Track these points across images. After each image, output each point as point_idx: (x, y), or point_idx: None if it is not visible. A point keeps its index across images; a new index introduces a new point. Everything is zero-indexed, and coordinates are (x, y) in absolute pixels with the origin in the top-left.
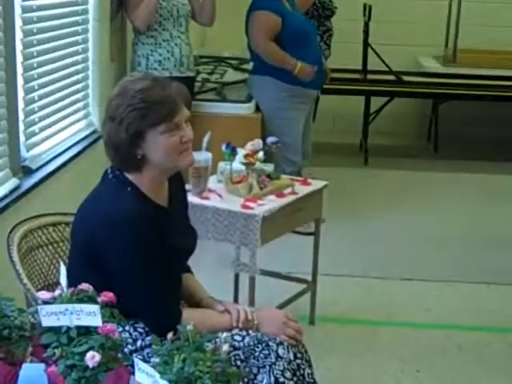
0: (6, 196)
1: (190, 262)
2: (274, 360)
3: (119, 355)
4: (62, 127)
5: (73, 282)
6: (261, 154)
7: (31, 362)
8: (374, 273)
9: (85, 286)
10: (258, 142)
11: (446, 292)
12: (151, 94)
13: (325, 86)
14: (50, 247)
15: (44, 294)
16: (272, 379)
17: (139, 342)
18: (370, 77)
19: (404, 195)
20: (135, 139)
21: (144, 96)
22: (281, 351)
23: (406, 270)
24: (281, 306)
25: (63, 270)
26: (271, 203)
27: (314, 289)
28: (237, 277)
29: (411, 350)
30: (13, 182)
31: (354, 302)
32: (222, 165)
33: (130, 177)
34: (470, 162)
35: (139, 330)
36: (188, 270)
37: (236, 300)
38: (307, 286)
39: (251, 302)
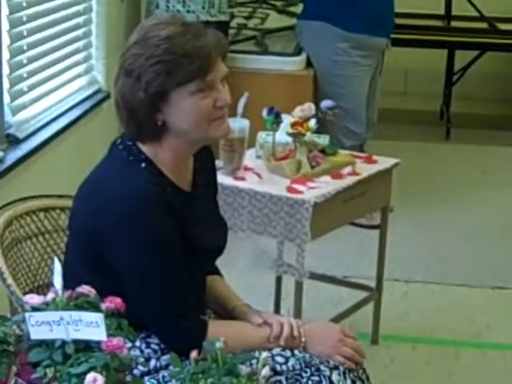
0: None
1: (220, 261)
2: None
3: (128, 378)
4: (58, 85)
5: (70, 283)
6: (313, 123)
7: None
8: (456, 279)
9: (85, 288)
10: (310, 107)
11: None
12: (180, 44)
13: (395, 36)
14: (41, 238)
15: (33, 298)
16: None
17: (153, 362)
18: (454, 24)
19: (496, 177)
20: (156, 100)
21: (171, 46)
22: (335, 378)
23: (498, 275)
24: (335, 320)
25: (57, 267)
26: (325, 186)
27: (378, 298)
28: (279, 280)
29: (505, 380)
30: None
31: (429, 315)
32: (262, 135)
33: (146, 150)
34: None
35: (153, 346)
36: (216, 271)
37: (278, 310)
38: (370, 294)
39: (297, 314)
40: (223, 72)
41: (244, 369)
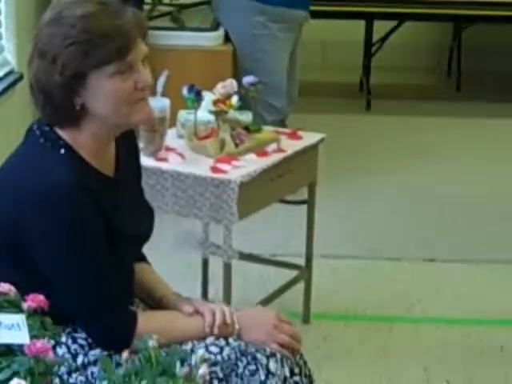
0: None
1: (145, 246)
2: (263, 378)
3: (56, 381)
4: None
5: None
6: (235, 99)
7: None
8: (386, 253)
9: (5, 286)
10: (232, 84)
11: (482, 276)
12: (97, 23)
13: (312, 8)
14: None
15: None
16: None
17: (80, 358)
18: None
19: (418, 148)
20: (73, 83)
21: (87, 25)
22: (272, 366)
23: (427, 248)
24: (266, 300)
25: None
26: (250, 164)
27: (308, 276)
28: (205, 263)
29: (439, 354)
30: None
31: (361, 291)
32: (183, 114)
33: (65, 135)
34: (502, 105)
35: (80, 341)
36: (143, 258)
37: (205, 293)
38: (299, 272)
39: (227, 298)
40: (144, 52)
41: (180, 368)
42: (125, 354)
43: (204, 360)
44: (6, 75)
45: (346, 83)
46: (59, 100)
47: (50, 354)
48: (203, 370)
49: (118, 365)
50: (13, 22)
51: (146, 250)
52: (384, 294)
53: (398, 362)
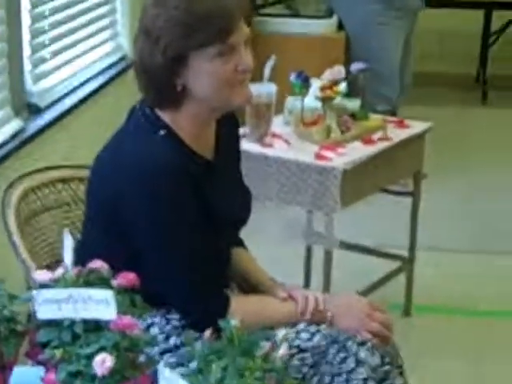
0: (5, 142)
1: (246, 232)
2: (353, 366)
3: (141, 359)
4: (81, 52)
5: (86, 256)
6: (343, 86)
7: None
8: (495, 245)
9: (97, 263)
10: (339, 70)
11: None
12: (200, 5)
13: None
14: (60, 211)
15: (41, 275)
16: None
17: (173, 339)
18: None
19: None
20: (175, 64)
21: (190, 6)
22: (363, 354)
23: None
24: (365, 292)
25: (68, 241)
26: (355, 152)
27: (411, 268)
28: (308, 251)
29: None
30: (15, 124)
31: (466, 285)
32: (290, 100)
33: (165, 116)
34: None
35: (174, 322)
36: (240, 243)
37: (307, 283)
38: (402, 264)
39: (326, 286)
40: (245, 35)
41: (262, 349)
42: (207, 333)
43: (285, 339)
44: (119, 60)
45: (463, 74)
46: (161, 80)
47: (136, 331)
48: (283, 350)
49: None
50: (128, 8)
51: (250, 238)
52: (488, 288)
53: (499, 358)
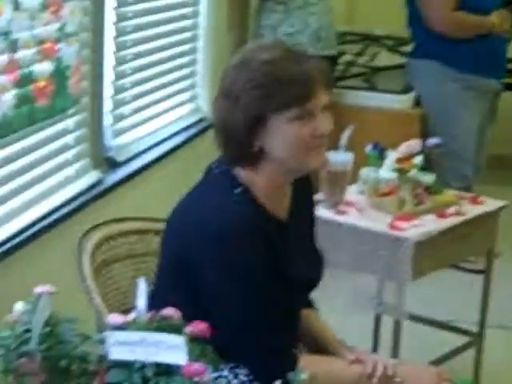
0: (82, 193)
1: (316, 297)
2: None
3: None
4: (160, 111)
5: (159, 306)
6: (418, 160)
7: None
8: None
9: (170, 311)
10: (416, 144)
11: None
12: (281, 68)
13: (508, 80)
14: (132, 261)
15: (115, 318)
16: None
17: None
18: None
19: None
20: (253, 125)
21: (271, 70)
22: None
23: None
24: (435, 363)
25: (142, 287)
26: (429, 224)
27: (480, 344)
28: (377, 320)
29: None
30: (93, 176)
31: None
32: (365, 171)
33: (242, 175)
34: None
35: (241, 377)
36: (310, 304)
37: (375, 350)
38: (471, 339)
39: (394, 354)
40: (325, 100)
41: None
42: None
43: None
44: (198, 122)
45: None
46: (239, 140)
47: (206, 378)
48: None
49: None
50: (208, 71)
51: (319, 303)
52: None
53: None
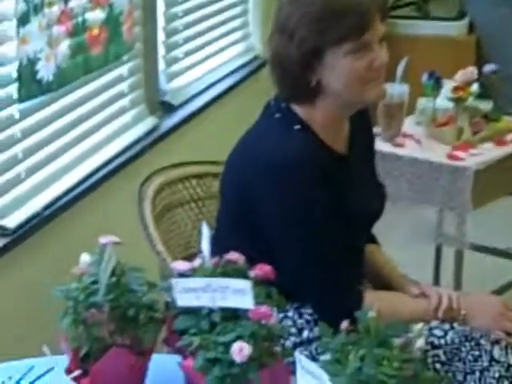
0: (140, 139)
1: (377, 231)
2: (486, 364)
3: (277, 348)
4: (213, 52)
5: (221, 250)
6: (475, 87)
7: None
8: None
9: (234, 255)
10: (472, 72)
11: None
12: (336, 1)
13: None
14: (193, 205)
15: (180, 264)
16: None
17: (306, 333)
18: None
19: None
20: (310, 59)
21: (326, 2)
22: (497, 352)
23: None
24: (498, 292)
25: (206, 232)
26: (488, 153)
27: None
28: (438, 251)
29: None
30: (149, 122)
31: None
32: (422, 101)
33: (300, 111)
34: None
35: (306, 317)
36: (373, 239)
37: (437, 282)
38: None
39: (457, 286)
40: (381, 32)
41: (398, 340)
42: (344, 324)
43: (421, 333)
44: (252, 61)
45: None
46: (295, 75)
47: (273, 320)
48: (420, 342)
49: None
50: (260, 10)
51: (380, 236)
52: None
53: None
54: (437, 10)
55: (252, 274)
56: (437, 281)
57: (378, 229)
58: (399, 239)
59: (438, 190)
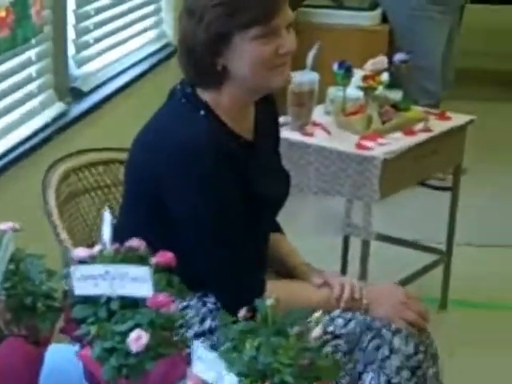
0: (48, 125)
1: (285, 221)
2: (387, 353)
3: (175, 337)
4: (125, 38)
5: (125, 238)
6: (385, 77)
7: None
8: None
9: (135, 242)
10: (382, 61)
11: None
12: None
13: None
14: (100, 192)
15: (80, 251)
16: (383, 379)
17: (208, 323)
18: None
19: None
20: (217, 43)
21: None
22: (397, 342)
23: None
24: (402, 283)
25: (107, 218)
26: (396, 142)
27: (448, 262)
28: (346, 241)
29: None
30: (58, 107)
31: (503, 280)
32: (332, 90)
33: (206, 96)
34: None
35: (209, 305)
36: (277, 228)
37: (344, 271)
38: (439, 257)
39: (363, 275)
40: (289, 18)
41: (295, 328)
42: (242, 312)
43: (319, 322)
44: (163, 47)
45: (508, 71)
46: (202, 59)
47: (172, 309)
48: (317, 331)
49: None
50: None
51: (288, 226)
52: None
53: None
54: (351, 0)
55: (153, 260)
56: (344, 270)
57: (286, 218)
58: (308, 229)
59: (346, 179)
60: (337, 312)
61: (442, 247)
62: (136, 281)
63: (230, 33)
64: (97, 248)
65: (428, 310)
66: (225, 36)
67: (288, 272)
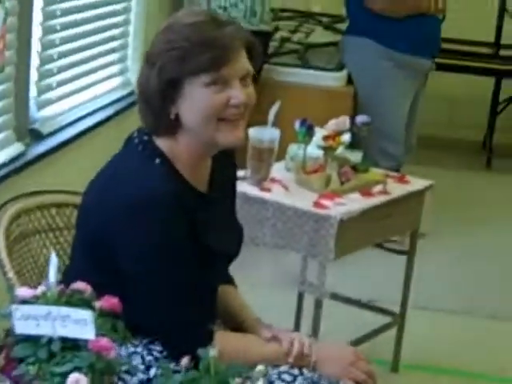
0: (4, 164)
1: (240, 274)
2: None
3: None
4: (88, 83)
5: (73, 280)
6: (346, 137)
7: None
8: (485, 310)
9: (81, 285)
10: (344, 121)
11: None
12: (199, 32)
13: (441, 61)
14: (51, 235)
15: (23, 291)
16: None
17: (153, 371)
18: (503, 53)
19: None
20: (168, 89)
21: (189, 33)
22: None
23: None
24: (355, 343)
25: (54, 260)
26: (353, 203)
27: (401, 324)
28: (300, 298)
29: None
30: (16, 148)
31: (454, 346)
32: (293, 148)
33: (162, 144)
34: None
35: (155, 353)
36: (229, 280)
37: (297, 328)
38: (392, 319)
39: (315, 333)
40: (244, 69)
41: (236, 380)
42: (184, 361)
43: (264, 375)
44: (127, 95)
45: (470, 140)
46: (156, 107)
47: (113, 354)
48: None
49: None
50: (140, 44)
51: (243, 280)
52: (477, 351)
53: None
54: (317, 59)
55: (97, 305)
56: (297, 327)
57: (241, 270)
58: (263, 284)
59: (303, 236)
60: (285, 367)
61: (397, 309)
62: (78, 323)
63: (181, 78)
64: (40, 289)
65: (375, 372)
66: (176, 82)
67: (237, 325)
